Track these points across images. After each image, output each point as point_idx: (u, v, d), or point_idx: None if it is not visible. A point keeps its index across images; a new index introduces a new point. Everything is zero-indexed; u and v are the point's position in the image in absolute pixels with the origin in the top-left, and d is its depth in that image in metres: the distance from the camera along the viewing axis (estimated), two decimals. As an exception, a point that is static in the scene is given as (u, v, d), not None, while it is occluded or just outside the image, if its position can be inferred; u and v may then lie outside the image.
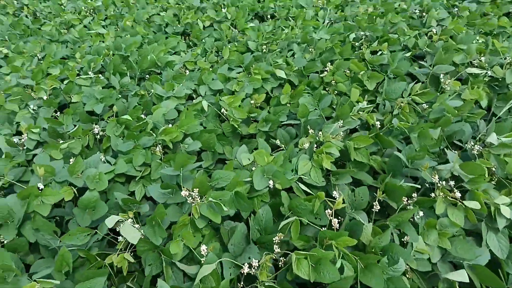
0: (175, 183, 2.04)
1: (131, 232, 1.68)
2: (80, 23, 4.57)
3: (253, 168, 2.02)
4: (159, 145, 2.31)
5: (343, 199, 1.77)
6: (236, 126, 2.51)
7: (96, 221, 1.89)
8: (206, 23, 4.45)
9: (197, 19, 4.40)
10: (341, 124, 2.30)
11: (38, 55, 3.77)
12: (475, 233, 1.87)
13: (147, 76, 3.37)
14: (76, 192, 1.96)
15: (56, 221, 2.09)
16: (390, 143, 2.15)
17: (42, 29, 4.39)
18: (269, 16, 4.73)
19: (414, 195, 1.84)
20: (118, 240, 1.75)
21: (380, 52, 3.22)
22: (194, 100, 2.85)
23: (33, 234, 1.75)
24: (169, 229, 1.84)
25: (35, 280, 1.44)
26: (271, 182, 1.88)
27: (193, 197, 1.80)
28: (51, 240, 1.74)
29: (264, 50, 3.67)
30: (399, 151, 2.12)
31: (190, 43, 4.21)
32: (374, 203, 1.81)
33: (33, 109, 2.77)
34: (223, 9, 4.62)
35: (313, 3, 4.83)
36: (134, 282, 1.74)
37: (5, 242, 1.73)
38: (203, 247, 1.62)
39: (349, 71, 3.01)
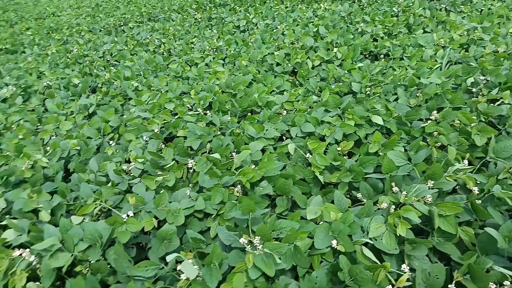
0: (246, 226, 2.08)
1: (190, 269, 1.77)
2: (202, 61, 5.08)
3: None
4: (239, 185, 2.40)
5: (412, 277, 1.57)
6: (317, 174, 2.45)
7: (169, 254, 2.04)
8: (315, 63, 4.50)
9: (306, 59, 4.48)
10: (431, 186, 2.06)
11: (162, 90, 4.30)
12: None
13: (250, 114, 3.55)
14: (156, 224, 2.15)
15: (142, 246, 2.32)
16: (485, 214, 1.84)
17: (169, 66, 5.01)
18: (382, 56, 4.56)
19: (506, 283, 1.53)
20: (180, 277, 1.84)
21: (500, 101, 2.81)
22: (283, 142, 2.88)
23: (113, 259, 1.97)
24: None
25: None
26: (334, 241, 1.78)
27: (254, 244, 1.82)
28: (126, 268, 1.93)
29: (368, 93, 3.54)
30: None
31: (297, 82, 4.29)
32: (449, 286, 1.56)
33: (145, 140, 3.16)
34: (335, 48, 4.63)
35: (435, 41, 4.49)
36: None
37: (91, 262, 1.98)
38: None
39: (459, 122, 2.70)
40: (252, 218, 2.06)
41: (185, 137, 3.04)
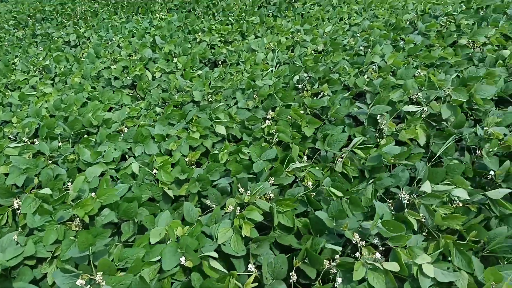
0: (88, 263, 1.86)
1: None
2: (26, 84, 4.47)
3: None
4: (77, 219, 2.15)
5: (259, 275, 1.61)
6: (166, 190, 2.36)
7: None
8: (156, 74, 4.38)
9: (145, 71, 4.33)
10: (273, 182, 2.17)
11: (-25, 122, 3.63)
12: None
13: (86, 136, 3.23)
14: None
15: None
16: (318, 205, 2.01)
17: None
18: (220, 62, 4.70)
19: (337, 257, 1.69)
20: None
21: (321, 94, 3.15)
22: (126, 162, 2.70)
23: None
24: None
25: None
26: (183, 258, 1.72)
27: (97, 282, 1.64)
28: None
29: (210, 99, 3.58)
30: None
31: (138, 96, 4.11)
32: (291, 274, 1.65)
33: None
34: (174, 59, 4.58)
35: (265, 45, 4.82)
36: None
37: None
38: None
39: (290, 117, 2.92)
40: (95, 253, 1.86)
41: (6, 174, 2.60)
